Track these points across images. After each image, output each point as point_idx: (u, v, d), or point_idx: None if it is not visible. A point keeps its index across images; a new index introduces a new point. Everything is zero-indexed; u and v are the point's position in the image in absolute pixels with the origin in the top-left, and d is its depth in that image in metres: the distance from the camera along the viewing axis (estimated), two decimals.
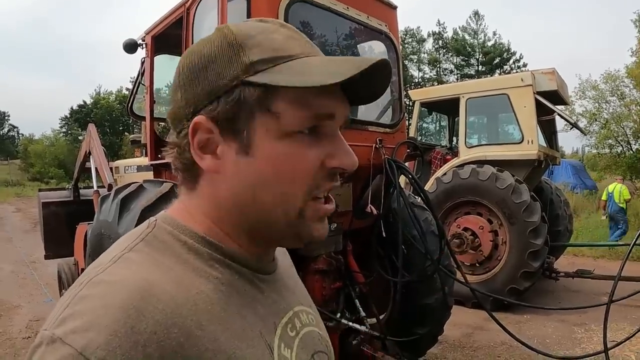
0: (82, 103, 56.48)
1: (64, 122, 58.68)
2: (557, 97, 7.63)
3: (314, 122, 0.73)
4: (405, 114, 3.82)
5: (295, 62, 0.72)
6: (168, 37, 3.94)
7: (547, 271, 7.38)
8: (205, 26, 3.22)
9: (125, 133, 53.26)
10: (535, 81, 7.24)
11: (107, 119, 52.27)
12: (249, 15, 2.75)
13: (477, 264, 7.01)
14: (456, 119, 9.12)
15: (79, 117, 54.32)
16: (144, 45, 4.10)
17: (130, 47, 4.06)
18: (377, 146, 3.31)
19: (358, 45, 3.72)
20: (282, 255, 0.95)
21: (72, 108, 57.12)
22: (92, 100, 55.85)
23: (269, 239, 0.81)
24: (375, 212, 3.38)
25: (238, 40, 0.72)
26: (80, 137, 51.88)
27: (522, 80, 7.29)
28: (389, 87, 3.78)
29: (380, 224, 3.39)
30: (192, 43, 3.31)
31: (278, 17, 2.76)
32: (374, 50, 3.89)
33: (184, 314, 0.64)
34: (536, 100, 7.12)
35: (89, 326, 0.58)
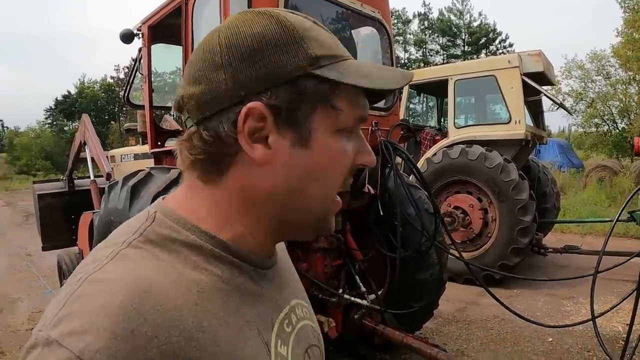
0: (66, 93, 55.78)
1: (48, 113, 57.94)
2: (543, 78, 7.69)
3: (358, 122, 0.77)
4: (398, 96, 3.94)
5: (348, 63, 0.74)
6: (165, 27, 4.00)
7: (535, 247, 7.52)
8: (204, 15, 3.27)
9: (112, 122, 52.83)
10: (522, 63, 7.30)
11: (92, 108, 51.64)
12: (249, 4, 2.82)
13: (468, 241, 7.15)
14: (444, 100, 9.21)
15: (64, 108, 53.74)
16: (140, 35, 4.16)
17: (127, 37, 4.10)
18: (373, 129, 3.44)
19: (352, 31, 3.81)
20: (279, 248, 0.92)
21: (56, 99, 56.37)
22: (76, 90, 55.15)
23: (289, 233, 0.82)
24: (372, 191, 3.51)
25: (298, 30, 0.70)
26: (65, 128, 51.34)
27: (509, 62, 7.36)
28: None
29: (378, 203, 3.53)
30: (192, 33, 3.38)
31: (278, 5, 2.86)
32: (360, 35, 3.97)
33: (185, 315, 0.63)
34: (523, 81, 7.19)
35: (87, 328, 0.56)
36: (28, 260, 9.60)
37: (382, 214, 3.50)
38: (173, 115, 5.62)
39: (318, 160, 0.73)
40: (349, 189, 0.83)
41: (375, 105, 3.76)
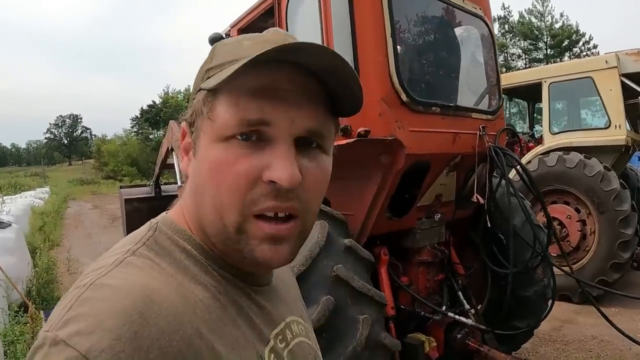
0: (151, 103, 58.31)
1: (134, 122, 60.87)
2: None
3: (245, 128, 0.69)
4: (503, 99, 3.69)
5: (239, 63, 0.66)
6: (256, 30, 3.93)
7: (635, 263, 7.09)
8: (300, 15, 3.15)
9: None
10: (620, 63, 6.87)
11: (176, 118, 53.67)
12: (351, 3, 2.70)
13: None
14: (536, 105, 8.83)
15: (149, 117, 56.23)
16: None
17: (216, 41, 4.08)
18: (481, 133, 3.21)
19: (455, 29, 3.61)
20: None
21: (142, 108, 59.15)
22: (161, 100, 57.49)
23: (224, 253, 0.76)
24: (481, 201, 3.28)
25: (215, 50, 0.77)
26: (150, 136, 53.81)
27: (606, 62, 6.94)
28: (484, 73, 3.67)
29: (485, 214, 3.30)
30: None
31: (382, 3, 2.72)
32: (460, 33, 3.78)
33: (185, 322, 0.65)
34: (622, 82, 6.76)
35: (93, 329, 0.58)
36: None
37: (489, 225, 3.26)
38: None
39: (198, 169, 0.74)
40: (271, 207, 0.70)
41: (480, 108, 3.56)
